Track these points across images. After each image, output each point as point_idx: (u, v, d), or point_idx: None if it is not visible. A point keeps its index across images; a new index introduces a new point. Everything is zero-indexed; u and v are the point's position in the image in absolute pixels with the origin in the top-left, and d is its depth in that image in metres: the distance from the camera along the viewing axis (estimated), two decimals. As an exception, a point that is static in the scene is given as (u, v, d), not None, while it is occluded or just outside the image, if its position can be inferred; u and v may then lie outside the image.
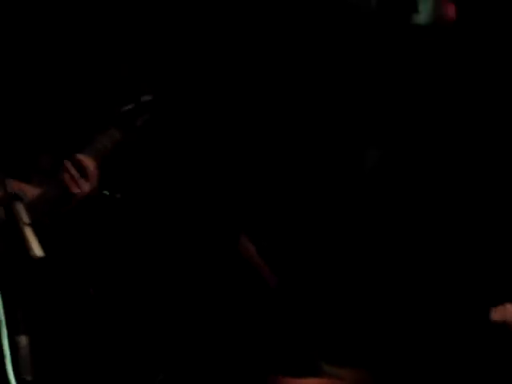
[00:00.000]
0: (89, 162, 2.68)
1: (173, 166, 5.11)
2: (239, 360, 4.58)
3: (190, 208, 5.11)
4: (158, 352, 4.51)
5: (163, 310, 4.70)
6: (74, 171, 2.66)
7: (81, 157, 2.68)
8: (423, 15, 5.30)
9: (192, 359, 4.58)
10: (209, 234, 4.96)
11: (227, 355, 4.60)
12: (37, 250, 2.11)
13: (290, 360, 4.49)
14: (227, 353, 4.61)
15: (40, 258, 2.12)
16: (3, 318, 2.15)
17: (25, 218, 2.15)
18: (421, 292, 4.75)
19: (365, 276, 4.96)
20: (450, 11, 4.92)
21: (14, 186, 2.68)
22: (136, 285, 4.60)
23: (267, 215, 4.89)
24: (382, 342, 4.66)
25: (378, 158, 5.40)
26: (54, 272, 3.35)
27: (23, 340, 2.23)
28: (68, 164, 2.68)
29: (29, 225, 2.13)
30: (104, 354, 4.01)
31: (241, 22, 5.28)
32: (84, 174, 2.68)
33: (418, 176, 5.25)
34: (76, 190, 2.67)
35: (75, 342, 3.71)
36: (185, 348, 4.61)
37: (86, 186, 2.69)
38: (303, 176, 5.02)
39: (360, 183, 5.37)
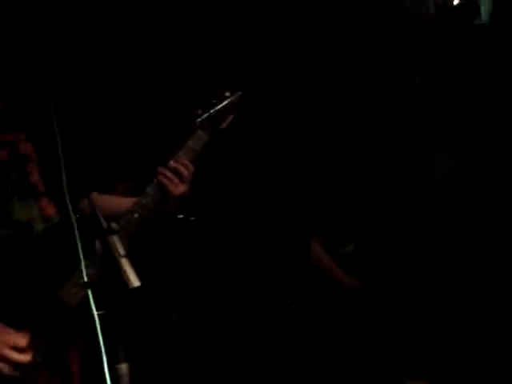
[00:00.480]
0: (183, 167, 2.79)
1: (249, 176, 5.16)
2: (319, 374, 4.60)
3: (263, 224, 5.15)
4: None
5: (239, 329, 4.75)
6: (170, 174, 2.78)
7: (175, 164, 2.79)
8: (484, 15, 5.28)
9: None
10: (283, 249, 5.00)
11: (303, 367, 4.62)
12: (134, 280, 2.17)
13: (374, 375, 4.49)
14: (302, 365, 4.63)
15: (137, 288, 2.18)
16: (103, 347, 2.21)
17: (120, 249, 2.21)
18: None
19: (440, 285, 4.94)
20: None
21: (106, 200, 2.79)
22: (212, 304, 4.66)
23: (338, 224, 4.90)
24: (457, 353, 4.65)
25: (450, 164, 5.37)
26: (145, 299, 3.43)
27: (123, 368, 2.30)
28: (163, 169, 2.79)
29: (125, 256, 2.20)
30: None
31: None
32: (180, 176, 2.79)
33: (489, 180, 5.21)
34: (175, 191, 2.78)
35: (168, 366, 3.77)
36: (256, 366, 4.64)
37: (182, 187, 2.80)
38: (373, 184, 5.03)
39: (432, 190, 5.34)
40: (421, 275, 4.86)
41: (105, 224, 2.27)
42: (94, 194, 2.79)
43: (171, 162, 2.82)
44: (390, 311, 4.72)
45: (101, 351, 2.23)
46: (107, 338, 2.27)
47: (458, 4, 5.41)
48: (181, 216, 4.56)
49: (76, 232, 2.25)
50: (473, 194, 5.09)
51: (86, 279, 2.29)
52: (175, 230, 4.50)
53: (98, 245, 2.32)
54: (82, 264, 2.26)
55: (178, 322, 4.08)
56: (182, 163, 2.81)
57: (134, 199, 2.76)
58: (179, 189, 2.80)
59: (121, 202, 2.83)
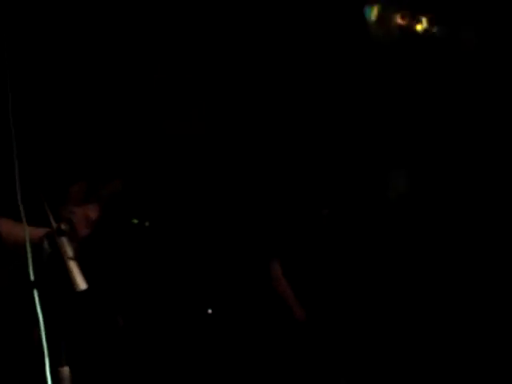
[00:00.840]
0: (92, 213, 2.67)
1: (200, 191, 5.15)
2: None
3: (219, 233, 5.14)
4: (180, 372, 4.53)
5: (186, 334, 4.73)
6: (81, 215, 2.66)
7: (86, 211, 2.67)
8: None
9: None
10: (239, 260, 4.99)
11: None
12: (81, 283, 2.15)
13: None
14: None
15: (83, 291, 2.16)
16: (47, 350, 2.18)
17: (69, 251, 2.19)
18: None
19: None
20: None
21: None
22: (162, 309, 4.63)
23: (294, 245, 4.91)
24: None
25: (404, 179, 5.42)
26: (91, 303, 3.39)
27: (66, 371, 2.27)
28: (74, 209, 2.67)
29: (73, 258, 2.17)
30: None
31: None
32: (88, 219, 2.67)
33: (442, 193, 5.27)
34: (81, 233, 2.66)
35: (110, 370, 3.74)
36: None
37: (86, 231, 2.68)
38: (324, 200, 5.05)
39: (385, 205, 5.39)
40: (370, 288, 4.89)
41: (55, 225, 2.24)
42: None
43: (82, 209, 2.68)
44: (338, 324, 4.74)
45: (44, 353, 2.20)
46: (51, 341, 2.24)
47: (422, 30, 5.48)
48: (136, 221, 4.54)
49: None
50: (425, 206, 5.15)
51: (32, 279, 2.25)
52: (129, 235, 4.47)
53: (46, 245, 2.28)
54: (30, 263, 2.23)
55: (123, 327, 4.05)
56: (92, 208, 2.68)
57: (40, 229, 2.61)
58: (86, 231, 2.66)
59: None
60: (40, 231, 2.51)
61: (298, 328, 4.73)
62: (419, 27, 5.62)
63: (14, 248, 2.33)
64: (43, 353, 2.22)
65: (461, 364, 4.61)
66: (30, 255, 2.20)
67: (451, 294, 4.85)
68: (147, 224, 4.48)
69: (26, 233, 2.17)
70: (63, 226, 2.23)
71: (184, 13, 5.22)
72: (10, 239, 2.39)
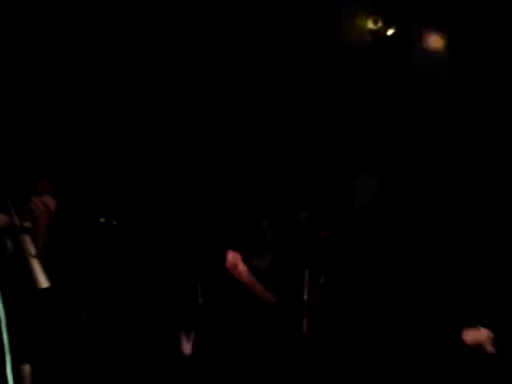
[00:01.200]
0: (49, 201, 2.64)
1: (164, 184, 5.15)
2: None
3: (182, 228, 5.14)
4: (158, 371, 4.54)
5: (158, 330, 4.74)
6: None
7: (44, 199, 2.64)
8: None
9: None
10: (202, 254, 4.99)
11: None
12: (43, 281, 2.16)
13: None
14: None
15: (45, 289, 2.17)
16: (8, 347, 2.19)
17: (31, 249, 2.20)
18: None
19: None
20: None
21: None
22: (132, 307, 4.64)
23: (255, 237, 4.92)
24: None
25: (373, 185, 5.46)
26: (54, 301, 3.39)
27: (27, 369, 2.28)
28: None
29: (35, 256, 2.18)
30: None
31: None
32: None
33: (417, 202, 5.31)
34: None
35: (74, 369, 3.74)
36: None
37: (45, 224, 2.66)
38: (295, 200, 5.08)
39: (353, 211, 5.42)
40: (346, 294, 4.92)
41: (18, 223, 2.25)
42: None
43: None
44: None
45: (4, 351, 2.21)
46: (13, 338, 2.25)
47: (392, 34, 5.52)
48: (103, 220, 4.54)
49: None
50: (395, 212, 5.19)
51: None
52: (96, 234, 4.47)
53: (9, 243, 2.29)
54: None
55: (89, 325, 4.06)
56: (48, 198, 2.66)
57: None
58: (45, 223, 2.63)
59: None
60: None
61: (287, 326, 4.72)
62: (390, 31, 5.67)
63: None
64: (4, 350, 2.23)
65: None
66: None
67: (433, 295, 4.89)
68: (114, 223, 4.49)
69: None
70: (26, 224, 2.23)
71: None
72: None
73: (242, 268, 4.75)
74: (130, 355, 4.46)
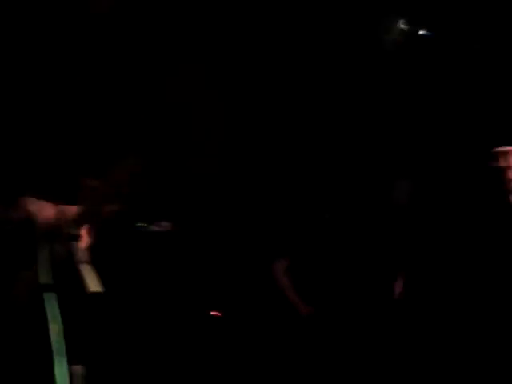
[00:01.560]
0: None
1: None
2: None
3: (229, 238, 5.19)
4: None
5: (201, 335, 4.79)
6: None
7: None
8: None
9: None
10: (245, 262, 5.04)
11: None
12: (95, 286, 2.23)
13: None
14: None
15: (98, 294, 2.24)
16: (64, 349, 2.26)
17: (83, 256, 2.28)
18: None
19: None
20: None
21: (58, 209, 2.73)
22: (171, 311, 4.70)
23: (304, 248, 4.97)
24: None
25: (408, 189, 5.47)
26: (107, 305, 3.48)
27: (79, 370, 2.36)
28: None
29: (87, 262, 2.26)
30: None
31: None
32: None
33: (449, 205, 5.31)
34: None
35: (127, 371, 3.81)
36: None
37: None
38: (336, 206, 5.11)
39: (390, 215, 5.43)
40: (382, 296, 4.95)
41: (66, 230, 2.33)
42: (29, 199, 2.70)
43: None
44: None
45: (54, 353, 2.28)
46: (68, 341, 2.31)
47: (423, 34, 5.52)
48: (142, 224, 4.60)
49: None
50: (429, 216, 5.21)
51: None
52: (140, 239, 4.53)
53: (60, 249, 2.37)
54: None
55: (135, 328, 4.13)
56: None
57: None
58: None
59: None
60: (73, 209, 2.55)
61: (302, 329, 4.79)
62: (422, 31, 5.68)
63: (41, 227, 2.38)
64: (55, 351, 2.29)
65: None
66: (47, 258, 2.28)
67: (452, 298, 4.91)
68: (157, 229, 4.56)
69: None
70: (75, 231, 2.31)
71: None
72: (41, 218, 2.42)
73: (284, 278, 4.84)
74: (171, 356, 4.53)
